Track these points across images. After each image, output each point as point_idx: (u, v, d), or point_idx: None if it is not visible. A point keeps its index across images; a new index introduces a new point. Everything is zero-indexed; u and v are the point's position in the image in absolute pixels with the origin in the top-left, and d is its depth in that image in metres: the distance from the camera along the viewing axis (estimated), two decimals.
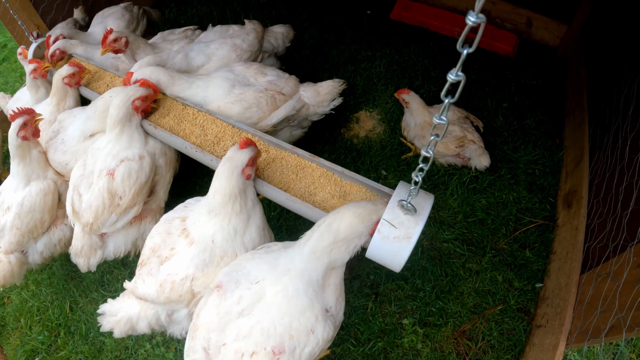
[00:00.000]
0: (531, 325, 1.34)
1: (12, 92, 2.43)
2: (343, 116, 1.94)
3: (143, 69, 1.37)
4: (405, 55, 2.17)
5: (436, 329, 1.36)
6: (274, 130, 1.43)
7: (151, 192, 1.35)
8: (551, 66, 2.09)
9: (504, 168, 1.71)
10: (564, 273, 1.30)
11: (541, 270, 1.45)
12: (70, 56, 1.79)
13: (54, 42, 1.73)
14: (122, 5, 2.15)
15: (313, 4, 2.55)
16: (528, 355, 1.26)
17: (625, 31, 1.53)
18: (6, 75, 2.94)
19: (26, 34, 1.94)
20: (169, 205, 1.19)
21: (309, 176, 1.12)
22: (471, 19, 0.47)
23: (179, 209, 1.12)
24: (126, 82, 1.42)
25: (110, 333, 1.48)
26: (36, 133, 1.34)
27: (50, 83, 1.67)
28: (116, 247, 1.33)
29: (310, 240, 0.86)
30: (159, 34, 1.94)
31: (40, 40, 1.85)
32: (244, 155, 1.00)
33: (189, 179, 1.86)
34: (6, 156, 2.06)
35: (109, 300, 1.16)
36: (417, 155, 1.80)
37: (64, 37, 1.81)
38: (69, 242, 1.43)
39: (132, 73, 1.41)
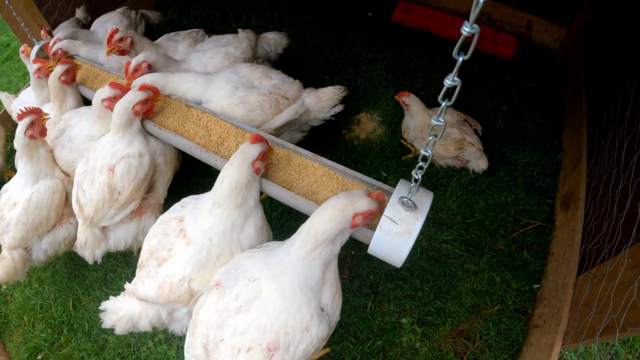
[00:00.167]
0: (528, 326, 1.36)
1: (15, 92, 2.45)
2: (344, 118, 1.95)
3: (141, 54, 1.38)
4: (406, 58, 2.19)
5: (434, 328, 1.38)
6: (275, 134, 1.45)
7: (151, 189, 1.38)
8: (551, 69, 2.11)
9: (502, 170, 1.73)
10: (560, 274, 1.32)
11: (538, 271, 1.47)
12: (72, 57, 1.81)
13: (54, 43, 1.75)
14: (119, 10, 2.17)
15: (315, 6, 2.57)
16: (525, 355, 1.28)
17: (624, 35, 1.55)
18: (9, 74, 2.96)
19: (29, 35, 1.96)
20: (170, 203, 1.20)
21: (311, 175, 1.14)
22: (466, 29, 0.49)
23: (176, 209, 1.14)
24: (126, 70, 1.44)
25: (112, 330, 1.51)
26: (43, 132, 1.37)
27: None
28: (117, 240, 1.37)
29: (294, 245, 0.88)
30: (165, 36, 1.96)
31: (42, 42, 1.87)
32: (255, 149, 1.04)
33: (190, 178, 1.88)
34: (9, 155, 2.08)
35: (111, 297, 1.18)
36: (417, 157, 1.80)
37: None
38: (73, 241, 1.45)
39: (135, 63, 1.43)
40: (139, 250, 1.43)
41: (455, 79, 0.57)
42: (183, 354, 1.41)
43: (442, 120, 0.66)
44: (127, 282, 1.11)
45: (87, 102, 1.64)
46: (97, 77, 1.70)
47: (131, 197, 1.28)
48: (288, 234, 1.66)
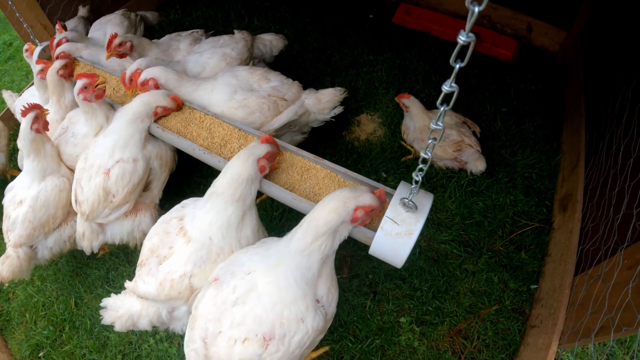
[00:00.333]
0: (525, 326, 1.37)
1: (18, 91, 2.46)
2: (345, 119, 1.97)
3: (152, 68, 1.40)
4: (407, 60, 2.20)
5: (433, 327, 1.39)
6: (275, 135, 1.46)
7: (146, 189, 1.42)
8: (551, 72, 2.12)
9: (501, 172, 1.75)
10: (558, 275, 1.33)
11: (536, 272, 1.48)
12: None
13: (57, 45, 1.77)
14: (119, 12, 2.18)
15: (316, 7, 2.58)
16: (522, 355, 1.30)
17: (623, 39, 1.57)
18: (12, 73, 2.98)
19: (32, 36, 1.98)
20: (171, 202, 1.22)
21: (313, 177, 1.16)
22: (462, 38, 0.51)
23: (176, 210, 1.16)
24: (123, 79, 1.46)
25: (114, 328, 1.53)
26: (46, 126, 1.39)
27: None
28: (113, 234, 1.43)
29: (294, 237, 0.90)
30: (167, 36, 1.98)
31: (45, 43, 1.89)
32: (263, 147, 1.07)
33: (193, 178, 1.90)
34: (11, 154, 2.10)
35: (112, 295, 1.19)
36: (417, 158, 1.82)
37: (67, 40, 1.84)
38: None
39: (129, 72, 1.44)
40: (135, 245, 1.49)
41: (453, 84, 0.60)
42: (183, 350, 1.44)
43: (440, 124, 0.68)
44: (127, 281, 1.12)
45: None
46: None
47: (125, 199, 1.33)
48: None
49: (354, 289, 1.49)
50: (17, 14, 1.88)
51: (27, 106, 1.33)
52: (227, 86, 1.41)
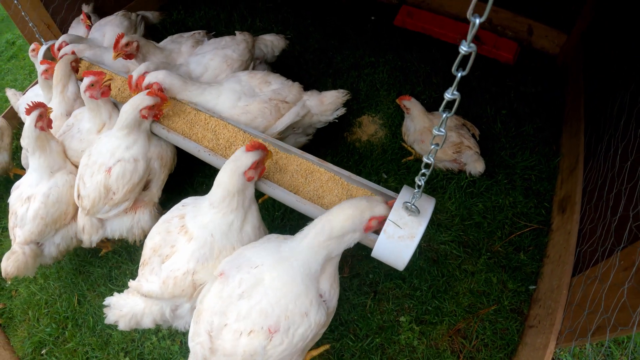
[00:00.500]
0: (524, 326, 1.39)
1: (21, 89, 2.48)
2: (346, 120, 1.98)
3: (156, 72, 1.42)
4: (408, 62, 2.22)
5: (432, 326, 1.41)
6: (279, 137, 1.48)
7: (146, 187, 1.45)
8: (551, 74, 2.14)
9: (501, 173, 1.76)
10: (556, 276, 1.35)
11: (535, 273, 1.50)
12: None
13: (59, 49, 1.78)
14: (120, 12, 2.19)
15: (318, 9, 2.60)
16: (520, 354, 1.31)
17: (622, 42, 1.58)
18: (15, 72, 2.99)
19: (37, 35, 1.99)
20: (174, 201, 1.23)
21: (317, 180, 1.17)
22: (463, 48, 0.53)
23: (177, 209, 1.17)
24: (130, 83, 1.48)
25: (117, 326, 1.54)
26: (50, 124, 1.41)
27: None
28: (112, 230, 1.46)
29: (308, 236, 0.92)
30: (168, 38, 1.99)
31: (50, 42, 1.91)
32: (249, 158, 1.05)
33: (195, 177, 1.91)
34: (14, 152, 2.11)
35: (115, 293, 1.21)
36: (417, 160, 1.84)
37: (67, 44, 1.85)
38: None
39: (136, 76, 1.46)
40: (134, 241, 1.51)
41: (455, 92, 0.62)
42: (186, 349, 1.45)
43: (442, 130, 0.70)
44: (130, 280, 1.13)
45: None
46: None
47: (125, 197, 1.36)
48: (290, 233, 1.71)
49: (355, 288, 1.51)
50: (23, 13, 1.89)
51: (31, 104, 1.35)
52: (232, 92, 1.42)
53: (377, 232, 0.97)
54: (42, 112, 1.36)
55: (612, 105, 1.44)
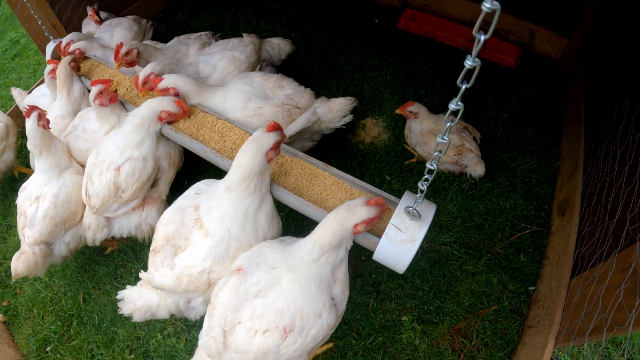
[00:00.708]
0: (523, 326, 1.41)
1: (26, 88, 2.49)
2: (350, 123, 1.99)
3: (174, 77, 1.42)
4: (411, 65, 2.24)
5: (433, 326, 1.43)
6: (287, 142, 1.48)
7: (154, 185, 1.47)
8: (552, 78, 2.16)
9: (502, 176, 1.79)
10: (555, 277, 1.38)
11: (534, 274, 1.53)
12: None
13: (64, 49, 1.79)
14: (131, 17, 2.21)
15: (322, 11, 2.62)
16: (519, 354, 1.34)
17: (622, 48, 1.61)
18: (19, 70, 2.99)
19: (46, 33, 2.00)
20: (177, 196, 1.24)
21: (321, 184, 1.19)
22: (468, 62, 0.57)
23: (191, 197, 1.16)
24: (136, 83, 1.50)
25: (122, 323, 1.56)
26: (47, 124, 1.43)
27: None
28: (120, 228, 1.48)
29: (304, 248, 0.95)
30: (175, 39, 2.01)
31: (58, 40, 1.92)
32: (270, 138, 1.04)
33: (201, 177, 1.93)
34: (20, 150, 2.12)
35: (128, 287, 1.22)
36: (420, 162, 1.86)
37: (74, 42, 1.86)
38: None
39: (142, 77, 1.47)
40: (143, 238, 1.52)
41: (459, 103, 0.65)
42: (191, 347, 1.47)
43: (446, 138, 0.74)
44: (142, 271, 1.13)
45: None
46: (113, 78, 1.75)
47: (134, 195, 1.37)
48: (294, 233, 1.73)
49: (358, 288, 1.53)
50: (32, 11, 1.90)
51: (27, 107, 1.38)
52: (241, 93, 1.43)
53: (379, 234, 1.00)
54: (40, 112, 1.38)
55: (611, 110, 1.46)
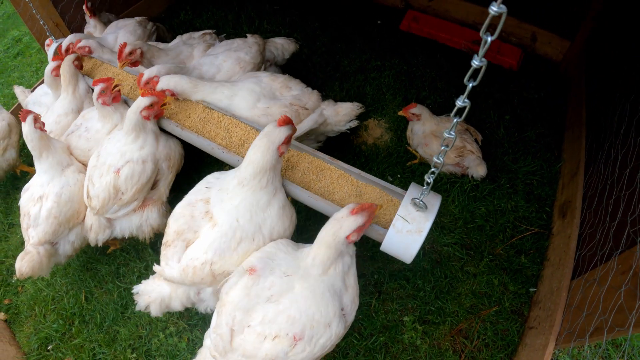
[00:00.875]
0: (524, 327, 1.42)
1: (28, 87, 2.49)
2: None
3: (168, 78, 1.43)
4: (413, 66, 2.24)
5: (435, 326, 1.44)
6: None
7: (154, 186, 1.48)
8: (554, 80, 2.16)
9: (503, 178, 1.80)
10: (556, 279, 1.38)
11: (535, 276, 1.53)
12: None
13: (67, 49, 1.79)
14: (137, 19, 2.20)
15: (325, 12, 2.62)
16: (520, 355, 1.34)
17: (623, 52, 1.62)
18: (21, 69, 2.99)
19: (47, 33, 2.01)
20: (181, 200, 1.25)
21: (328, 177, 1.19)
22: (475, 62, 0.58)
23: (201, 191, 1.16)
24: (139, 81, 1.50)
25: (124, 323, 1.57)
26: (44, 126, 1.43)
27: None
28: (122, 229, 1.49)
29: (309, 265, 0.95)
30: (178, 37, 2.02)
31: (60, 40, 1.92)
32: (282, 133, 1.04)
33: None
34: (22, 149, 2.12)
35: (143, 281, 1.24)
36: (422, 163, 1.87)
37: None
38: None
39: (146, 76, 1.48)
40: (144, 239, 1.54)
41: (466, 100, 0.68)
42: (194, 346, 1.48)
43: (452, 133, 0.76)
44: (155, 264, 1.15)
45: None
46: (117, 77, 1.76)
47: (134, 197, 1.39)
48: (297, 232, 1.73)
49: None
50: (34, 11, 1.90)
51: (22, 111, 1.39)
52: (251, 93, 1.44)
53: (386, 225, 1.01)
54: (35, 115, 1.39)
55: (612, 113, 1.47)
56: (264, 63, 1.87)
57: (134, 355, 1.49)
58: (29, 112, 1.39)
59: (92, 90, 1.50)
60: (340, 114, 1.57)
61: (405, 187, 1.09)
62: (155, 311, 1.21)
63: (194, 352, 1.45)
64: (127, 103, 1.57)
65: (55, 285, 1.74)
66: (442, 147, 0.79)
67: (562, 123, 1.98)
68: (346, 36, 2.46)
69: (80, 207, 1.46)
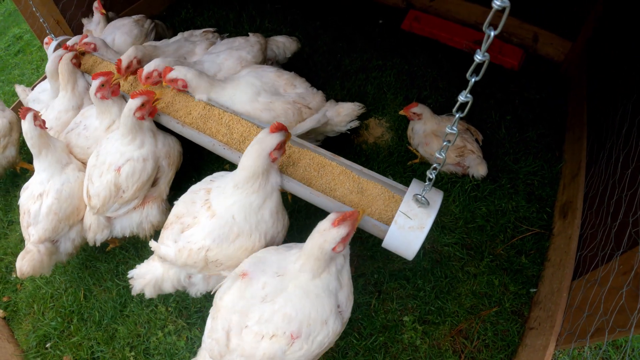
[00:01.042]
0: (524, 327, 1.41)
1: (29, 84, 2.48)
2: None
3: (184, 69, 1.41)
4: (415, 66, 2.24)
5: (434, 326, 1.44)
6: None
7: (154, 184, 1.48)
8: (555, 81, 2.16)
9: (504, 178, 1.79)
10: (556, 279, 1.38)
11: (535, 276, 1.53)
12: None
13: (70, 48, 1.78)
14: (134, 18, 2.19)
15: (326, 11, 2.62)
16: (520, 355, 1.34)
17: (625, 52, 1.61)
18: (22, 66, 2.99)
19: (47, 30, 2.00)
20: (177, 196, 1.26)
21: (329, 173, 1.19)
22: (478, 57, 0.58)
23: (206, 181, 1.22)
24: (140, 77, 1.49)
25: (123, 321, 1.56)
26: (43, 124, 1.43)
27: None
28: (123, 227, 1.49)
29: (297, 269, 0.94)
30: (179, 35, 2.01)
31: (60, 38, 1.92)
32: (274, 139, 1.06)
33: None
34: (22, 147, 2.12)
35: (137, 265, 1.26)
36: (422, 162, 1.87)
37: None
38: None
39: (146, 71, 1.47)
40: (145, 236, 1.54)
41: (468, 95, 0.68)
42: (192, 344, 1.47)
43: (455, 129, 0.76)
44: (152, 240, 1.17)
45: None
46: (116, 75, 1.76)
47: (134, 195, 1.39)
48: (297, 232, 1.72)
49: (360, 287, 1.54)
50: (34, 9, 1.90)
51: (22, 109, 1.39)
52: (249, 86, 1.43)
53: (388, 222, 1.00)
54: (35, 113, 1.39)
55: (614, 113, 1.47)
56: (266, 62, 1.87)
57: (133, 353, 1.48)
58: (29, 109, 1.39)
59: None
60: (341, 114, 1.57)
61: (406, 186, 1.09)
62: (149, 293, 1.22)
63: (192, 351, 1.44)
64: (124, 99, 1.56)
65: (54, 283, 1.74)
66: (444, 143, 0.79)
67: (563, 123, 1.98)
68: (347, 35, 2.46)
69: (81, 204, 1.46)
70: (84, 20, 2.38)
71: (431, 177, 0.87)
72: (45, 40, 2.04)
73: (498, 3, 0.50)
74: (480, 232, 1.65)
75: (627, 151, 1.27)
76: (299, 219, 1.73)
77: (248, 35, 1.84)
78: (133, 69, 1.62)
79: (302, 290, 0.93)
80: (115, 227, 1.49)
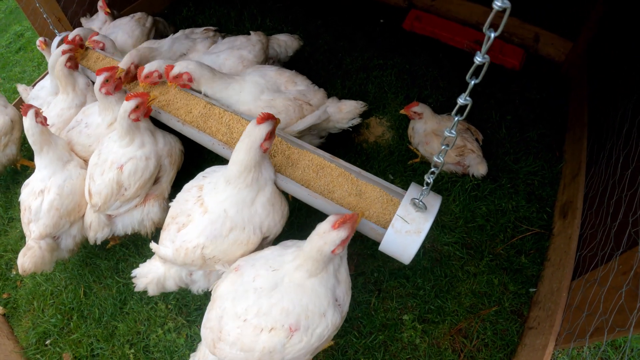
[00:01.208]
0: (523, 327, 1.42)
1: (30, 82, 2.49)
2: None
3: (187, 62, 1.41)
4: (416, 65, 2.24)
5: (434, 325, 1.44)
6: (295, 137, 1.48)
7: (156, 182, 1.49)
8: (556, 81, 2.16)
9: (504, 178, 1.79)
10: (556, 279, 1.38)
11: (535, 276, 1.53)
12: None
13: (73, 41, 1.78)
14: (135, 16, 2.18)
15: (328, 10, 2.62)
16: (519, 355, 1.34)
17: (625, 53, 1.62)
18: (23, 64, 2.99)
19: (51, 26, 2.00)
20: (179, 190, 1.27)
21: (328, 175, 1.20)
22: (478, 59, 0.58)
23: (199, 178, 1.23)
24: (139, 75, 1.49)
25: (122, 318, 1.57)
26: (45, 121, 1.43)
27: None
28: (124, 225, 1.50)
29: (293, 264, 0.95)
30: (180, 32, 2.01)
31: (64, 34, 1.92)
32: (262, 130, 1.05)
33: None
34: (22, 144, 2.12)
35: (140, 264, 1.28)
36: (423, 162, 1.87)
37: (80, 39, 1.84)
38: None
39: (147, 71, 1.48)
40: (147, 233, 1.55)
41: (467, 98, 0.67)
42: (192, 342, 1.48)
43: (454, 132, 0.75)
44: (152, 242, 1.19)
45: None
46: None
47: (136, 193, 1.40)
48: (297, 230, 1.73)
49: (360, 286, 1.54)
50: (37, 4, 1.90)
51: (23, 106, 1.39)
52: (254, 85, 1.44)
53: (385, 225, 1.00)
54: (36, 109, 1.39)
55: (614, 114, 1.47)
56: (267, 60, 1.88)
57: (132, 350, 1.48)
58: (30, 106, 1.39)
59: (93, 83, 1.51)
60: (343, 112, 1.57)
61: (406, 186, 1.09)
62: (152, 291, 1.24)
63: (192, 348, 1.44)
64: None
65: (54, 280, 1.74)
66: (443, 147, 0.79)
67: (563, 124, 1.98)
68: (349, 34, 2.46)
69: (82, 200, 1.46)
70: (83, 20, 2.39)
71: (429, 181, 0.87)
72: (37, 43, 2.03)
73: (499, 4, 0.50)
74: (480, 231, 1.65)
75: (627, 151, 1.28)
76: (299, 217, 1.73)
77: (249, 34, 1.84)
78: (132, 75, 1.62)
79: (298, 284, 0.94)
80: (117, 225, 1.49)
